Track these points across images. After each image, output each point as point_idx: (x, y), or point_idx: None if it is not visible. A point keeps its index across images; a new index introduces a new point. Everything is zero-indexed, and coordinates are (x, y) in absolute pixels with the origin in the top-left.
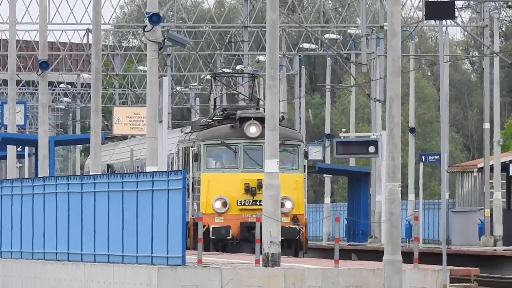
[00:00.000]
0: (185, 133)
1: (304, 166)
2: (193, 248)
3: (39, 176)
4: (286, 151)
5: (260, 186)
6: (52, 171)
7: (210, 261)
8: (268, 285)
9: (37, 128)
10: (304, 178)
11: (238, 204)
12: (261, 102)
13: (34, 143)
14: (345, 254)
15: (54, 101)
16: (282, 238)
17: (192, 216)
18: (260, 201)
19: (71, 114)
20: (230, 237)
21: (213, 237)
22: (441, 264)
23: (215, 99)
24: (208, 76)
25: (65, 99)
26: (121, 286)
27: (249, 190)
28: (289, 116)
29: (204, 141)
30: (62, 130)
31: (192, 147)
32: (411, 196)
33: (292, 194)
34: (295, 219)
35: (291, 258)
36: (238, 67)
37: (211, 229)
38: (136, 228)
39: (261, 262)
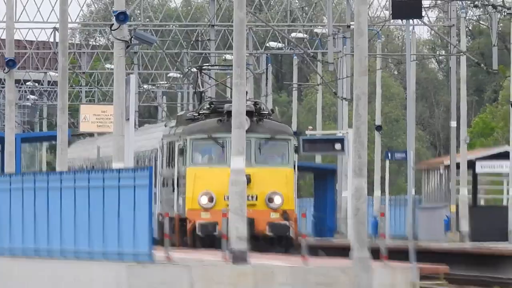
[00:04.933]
0: (170, 127)
1: (294, 161)
2: (179, 245)
3: (5, 172)
4: (276, 146)
5: (248, 181)
6: (19, 168)
7: (180, 258)
8: (237, 282)
9: (4, 125)
10: (295, 173)
11: (226, 199)
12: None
13: (0, 140)
14: (312, 251)
15: (20, 99)
16: (272, 234)
17: (178, 211)
18: (249, 196)
19: (38, 112)
20: (216, 233)
21: (200, 234)
22: (408, 260)
23: (201, 92)
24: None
25: (32, 97)
26: (88, 283)
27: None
28: None
29: (190, 135)
30: (29, 127)
31: (177, 141)
32: (377, 193)
33: (282, 189)
34: (285, 214)
35: (259, 254)
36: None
37: (197, 225)
38: (102, 223)
39: (229, 259)
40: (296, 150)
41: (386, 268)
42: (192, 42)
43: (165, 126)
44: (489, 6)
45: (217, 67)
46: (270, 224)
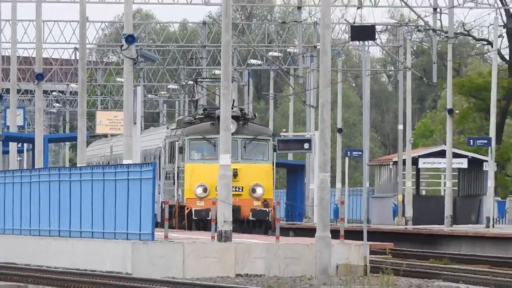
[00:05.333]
0: (171, 130)
1: (274, 157)
2: (178, 228)
3: (35, 167)
4: (258, 145)
5: (235, 174)
6: (46, 164)
7: (176, 237)
8: (222, 256)
9: (34, 128)
10: (273, 168)
11: (217, 190)
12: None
13: (31, 140)
14: (285, 232)
15: (48, 106)
16: (254, 219)
17: (178, 200)
18: (236, 187)
19: (61, 117)
20: (209, 218)
21: (195, 218)
22: (362, 240)
23: (196, 100)
24: (190, 82)
25: (57, 104)
26: (97, 256)
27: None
28: None
29: (188, 136)
30: (54, 130)
31: (177, 141)
32: (338, 185)
33: (262, 181)
34: (265, 202)
35: (241, 234)
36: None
37: (193, 211)
38: (114, 209)
39: (216, 238)
40: (275, 148)
41: (343, 245)
42: (187, 59)
43: (167, 128)
44: (430, 30)
45: (208, 80)
46: (253, 210)
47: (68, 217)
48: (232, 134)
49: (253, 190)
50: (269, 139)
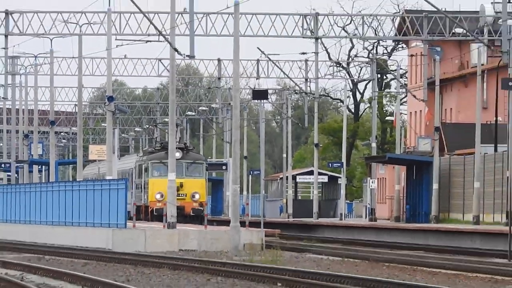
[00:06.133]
0: (140, 156)
1: (206, 174)
2: (144, 220)
3: (49, 181)
4: (196, 166)
5: (182, 185)
6: (57, 179)
7: (141, 226)
8: (169, 238)
9: (49, 156)
10: (206, 181)
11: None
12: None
13: (47, 164)
14: (211, 223)
15: (57, 142)
16: (194, 214)
17: (144, 202)
18: (182, 194)
19: (66, 148)
20: (164, 214)
21: (155, 214)
22: (260, 227)
23: (156, 138)
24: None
25: (63, 140)
26: (89, 238)
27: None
28: None
29: (150, 160)
30: (61, 156)
31: (143, 164)
32: (245, 192)
33: (199, 190)
34: (200, 204)
35: (185, 224)
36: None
37: (154, 210)
38: (101, 208)
39: (166, 226)
40: (207, 169)
41: (247, 231)
42: (147, 112)
43: (137, 156)
44: (303, 93)
45: (161, 124)
46: (193, 209)
47: (71, 213)
48: (179, 159)
49: (193, 196)
50: (203, 163)
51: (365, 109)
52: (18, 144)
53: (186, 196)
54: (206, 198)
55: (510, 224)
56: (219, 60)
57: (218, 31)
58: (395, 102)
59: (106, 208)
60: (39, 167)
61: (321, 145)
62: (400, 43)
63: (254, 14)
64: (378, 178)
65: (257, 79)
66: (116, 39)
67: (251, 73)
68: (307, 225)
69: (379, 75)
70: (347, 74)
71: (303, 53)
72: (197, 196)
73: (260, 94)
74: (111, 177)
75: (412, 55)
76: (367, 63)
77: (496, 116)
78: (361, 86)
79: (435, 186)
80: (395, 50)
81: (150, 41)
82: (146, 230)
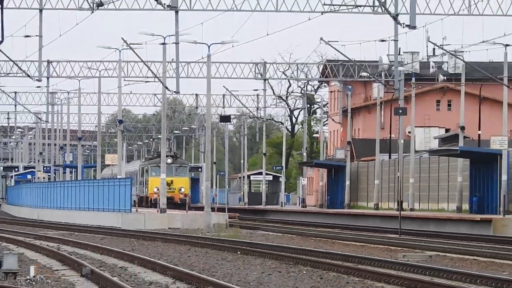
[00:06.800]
0: (142, 162)
1: (189, 174)
2: (145, 207)
3: (78, 179)
4: (182, 169)
5: (172, 182)
6: (83, 178)
7: (142, 210)
8: (162, 219)
9: (77, 162)
10: (189, 180)
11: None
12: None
13: (76, 167)
14: (190, 208)
15: (83, 152)
16: (180, 203)
17: (145, 194)
18: (172, 188)
19: (89, 157)
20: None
21: (153, 202)
22: (225, 212)
23: (153, 149)
24: (146, 141)
25: (87, 151)
26: (105, 219)
27: (168, 184)
28: None
29: (150, 164)
30: (86, 162)
31: (145, 167)
32: (214, 187)
33: (184, 185)
34: (185, 195)
35: (174, 209)
36: (159, 136)
37: (152, 199)
38: (113, 198)
39: (159, 211)
40: (190, 170)
41: (216, 214)
42: (146, 131)
43: (141, 161)
44: (255, 117)
45: (156, 139)
46: (180, 199)
47: (92, 201)
48: (170, 164)
49: (180, 190)
50: (187, 166)
51: (299, 129)
52: (56, 153)
53: (175, 190)
54: (189, 191)
55: (400, 210)
56: (196, 94)
57: (196, 74)
58: (319, 124)
59: (117, 198)
60: (70, 170)
61: (268, 154)
62: (323, 83)
63: (221, 63)
64: (307, 177)
65: (223, 107)
66: (124, 80)
67: (219, 104)
68: (258, 210)
69: (308, 105)
70: (286, 104)
71: (255, 90)
72: (183, 190)
73: (225, 119)
74: (120, 176)
75: (331, 91)
76: (300, 97)
77: (390, 134)
78: (296, 112)
79: (347, 182)
80: (319, 88)
81: (148, 81)
82: (145, 213)
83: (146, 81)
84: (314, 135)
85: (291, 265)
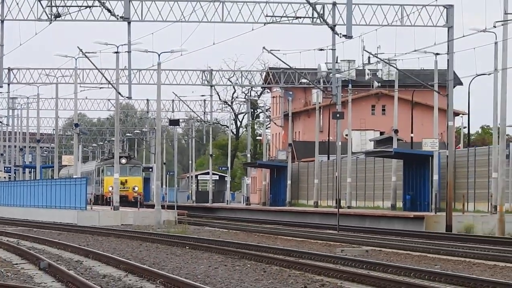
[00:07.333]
0: (98, 162)
1: (142, 174)
2: (101, 204)
3: (36, 179)
4: (136, 169)
5: (126, 181)
6: (41, 177)
7: (97, 208)
8: (115, 216)
9: (36, 162)
10: (142, 179)
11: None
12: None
13: (35, 167)
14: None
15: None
16: (134, 201)
17: (100, 193)
18: (125, 187)
19: (47, 158)
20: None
21: (108, 200)
22: (174, 209)
23: (108, 150)
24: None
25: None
26: (62, 216)
27: (122, 183)
28: None
29: (105, 165)
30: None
31: (101, 167)
32: (165, 186)
33: (138, 184)
34: (138, 194)
35: (127, 207)
36: (113, 138)
37: (106, 197)
38: (70, 196)
39: (113, 208)
40: (143, 170)
41: (166, 212)
42: (101, 133)
43: (96, 161)
44: (202, 121)
45: (111, 141)
46: (133, 197)
47: (50, 199)
48: (124, 164)
49: (133, 188)
50: (140, 166)
51: (243, 132)
52: (16, 154)
53: (129, 188)
54: (142, 190)
55: (338, 207)
56: (147, 100)
57: (147, 81)
58: (262, 127)
59: (73, 197)
60: (30, 170)
61: (214, 155)
62: (266, 89)
63: (170, 70)
64: (251, 177)
65: (172, 112)
66: (80, 86)
67: (168, 108)
68: (205, 208)
69: (252, 110)
70: (231, 109)
71: (203, 95)
72: (136, 188)
73: (174, 122)
74: (76, 176)
75: (274, 97)
76: (244, 102)
77: (328, 137)
78: (240, 117)
79: (288, 182)
80: (262, 94)
81: (103, 87)
82: (99, 211)
83: (101, 87)
84: (258, 137)
85: (236, 259)
